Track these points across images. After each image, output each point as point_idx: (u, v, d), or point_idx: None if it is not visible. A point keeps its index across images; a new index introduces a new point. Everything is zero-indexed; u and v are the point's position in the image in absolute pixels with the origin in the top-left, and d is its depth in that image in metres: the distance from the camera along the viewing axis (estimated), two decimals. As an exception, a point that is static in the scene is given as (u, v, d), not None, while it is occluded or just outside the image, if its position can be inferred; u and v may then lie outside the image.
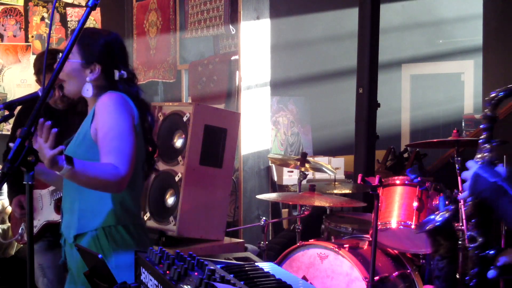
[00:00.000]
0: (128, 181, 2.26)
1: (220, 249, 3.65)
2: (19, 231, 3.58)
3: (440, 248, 1.99)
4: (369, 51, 4.76)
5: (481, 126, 1.98)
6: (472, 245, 1.93)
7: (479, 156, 1.96)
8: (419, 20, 7.47)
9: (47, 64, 3.12)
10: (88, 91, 2.41)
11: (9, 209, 3.92)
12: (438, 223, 1.97)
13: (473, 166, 1.92)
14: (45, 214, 3.50)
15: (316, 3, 7.33)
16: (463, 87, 7.74)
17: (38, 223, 3.49)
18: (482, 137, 1.97)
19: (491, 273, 1.88)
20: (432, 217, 2.14)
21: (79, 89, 2.42)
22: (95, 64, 2.40)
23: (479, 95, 6.84)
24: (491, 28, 6.35)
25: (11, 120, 3.46)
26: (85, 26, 1.97)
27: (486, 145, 1.96)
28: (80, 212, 2.40)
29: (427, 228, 2.00)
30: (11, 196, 3.53)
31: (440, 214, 2.13)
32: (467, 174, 1.92)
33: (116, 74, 2.44)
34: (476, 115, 6.65)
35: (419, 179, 3.37)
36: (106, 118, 2.31)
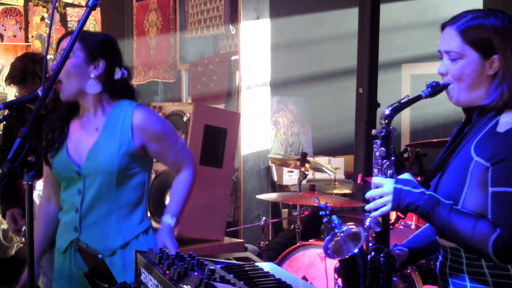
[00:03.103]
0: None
1: (220, 249, 3.65)
2: (21, 232, 3.57)
3: (356, 268, 1.96)
4: (369, 51, 4.76)
5: (378, 142, 2.01)
6: (381, 255, 1.93)
7: (376, 171, 1.97)
8: (419, 20, 7.46)
9: (33, 70, 3.13)
10: (95, 87, 2.36)
11: None
12: (356, 251, 1.95)
13: (384, 181, 1.89)
14: None
15: (316, 3, 7.33)
16: (463, 87, 7.71)
17: None
18: (379, 152, 1.99)
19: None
20: (328, 237, 2.11)
21: (79, 88, 2.36)
22: (99, 59, 2.36)
23: (479, 95, 6.82)
24: (491, 28, 6.34)
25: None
26: (85, 27, 1.97)
27: (385, 161, 1.99)
28: (120, 223, 2.39)
29: (346, 256, 1.95)
30: (2, 207, 3.49)
31: (341, 232, 2.12)
32: (382, 191, 1.87)
33: (119, 72, 2.42)
34: (476, 115, 6.64)
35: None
36: (165, 134, 2.46)
